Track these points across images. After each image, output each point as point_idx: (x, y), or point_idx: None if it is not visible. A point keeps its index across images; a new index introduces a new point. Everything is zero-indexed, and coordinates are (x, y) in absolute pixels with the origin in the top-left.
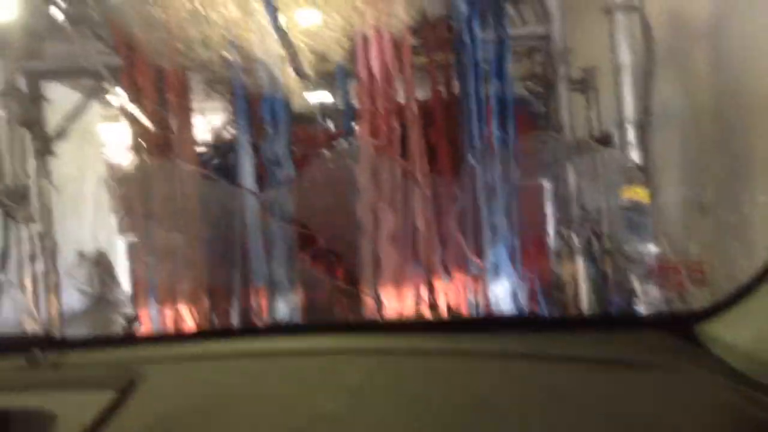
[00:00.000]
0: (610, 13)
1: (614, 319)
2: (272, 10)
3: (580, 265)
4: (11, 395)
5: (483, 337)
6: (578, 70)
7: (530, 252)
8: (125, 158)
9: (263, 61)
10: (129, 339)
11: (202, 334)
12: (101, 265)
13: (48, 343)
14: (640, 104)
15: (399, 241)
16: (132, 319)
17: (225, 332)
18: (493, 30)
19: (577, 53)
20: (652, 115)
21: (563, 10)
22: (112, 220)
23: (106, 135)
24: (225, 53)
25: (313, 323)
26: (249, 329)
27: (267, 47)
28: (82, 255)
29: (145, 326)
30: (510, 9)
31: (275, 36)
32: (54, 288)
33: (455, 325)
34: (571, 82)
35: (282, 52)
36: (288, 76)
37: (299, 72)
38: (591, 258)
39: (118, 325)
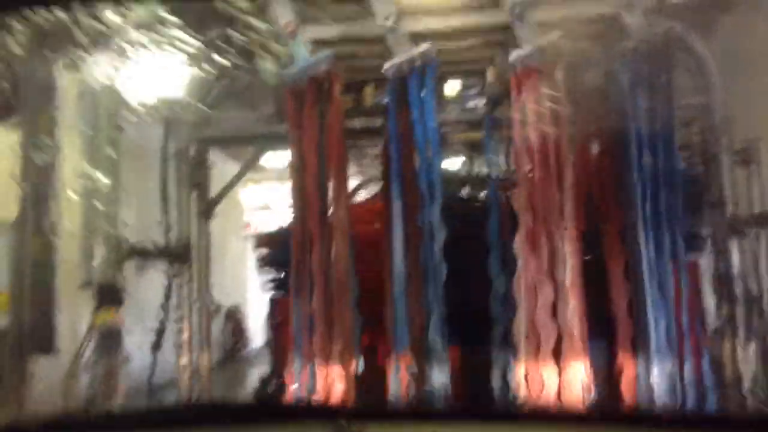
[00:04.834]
0: None
1: None
2: None
3: (742, 346)
4: None
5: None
6: (740, 142)
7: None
8: (271, 220)
9: None
10: (428, 413)
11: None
12: (234, 320)
13: (349, 413)
14: None
15: (557, 315)
16: (267, 380)
17: None
18: (657, 100)
19: (738, 124)
20: None
21: (724, 80)
22: (248, 279)
23: (249, 198)
24: None
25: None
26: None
27: None
28: (217, 308)
29: (289, 387)
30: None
31: None
32: (207, 344)
33: (621, 416)
34: (733, 154)
35: None
36: None
37: None
38: (754, 338)
39: (250, 384)
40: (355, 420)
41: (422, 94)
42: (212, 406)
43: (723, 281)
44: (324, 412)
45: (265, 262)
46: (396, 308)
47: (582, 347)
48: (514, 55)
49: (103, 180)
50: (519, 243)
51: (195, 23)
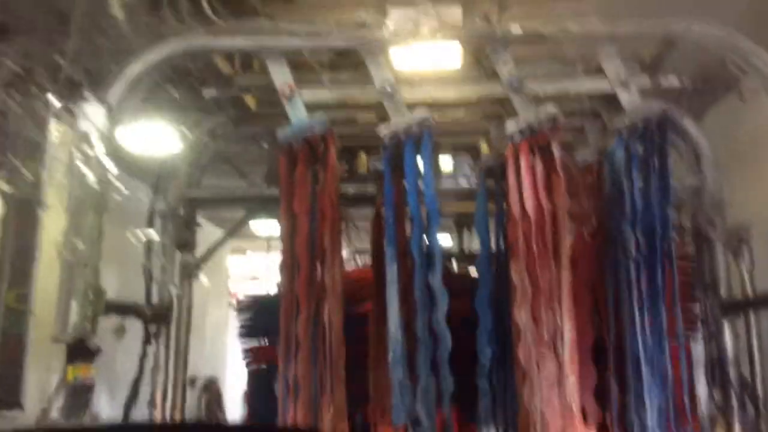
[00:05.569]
0: None
1: None
2: None
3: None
4: None
5: None
6: (732, 226)
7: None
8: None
9: None
10: None
11: None
12: (210, 391)
13: None
14: None
15: (559, 389)
16: None
17: None
18: (653, 178)
19: (729, 208)
20: None
21: (717, 163)
22: (227, 350)
23: (235, 268)
24: None
25: None
26: None
27: None
28: (193, 379)
29: None
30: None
31: None
32: (180, 410)
33: None
34: (725, 238)
35: None
36: None
37: None
38: (745, 423)
39: None
40: None
41: (420, 161)
42: None
43: (716, 365)
44: None
45: (247, 329)
46: (393, 378)
47: (583, 425)
48: (512, 126)
49: (86, 233)
50: (520, 316)
51: (190, 84)
